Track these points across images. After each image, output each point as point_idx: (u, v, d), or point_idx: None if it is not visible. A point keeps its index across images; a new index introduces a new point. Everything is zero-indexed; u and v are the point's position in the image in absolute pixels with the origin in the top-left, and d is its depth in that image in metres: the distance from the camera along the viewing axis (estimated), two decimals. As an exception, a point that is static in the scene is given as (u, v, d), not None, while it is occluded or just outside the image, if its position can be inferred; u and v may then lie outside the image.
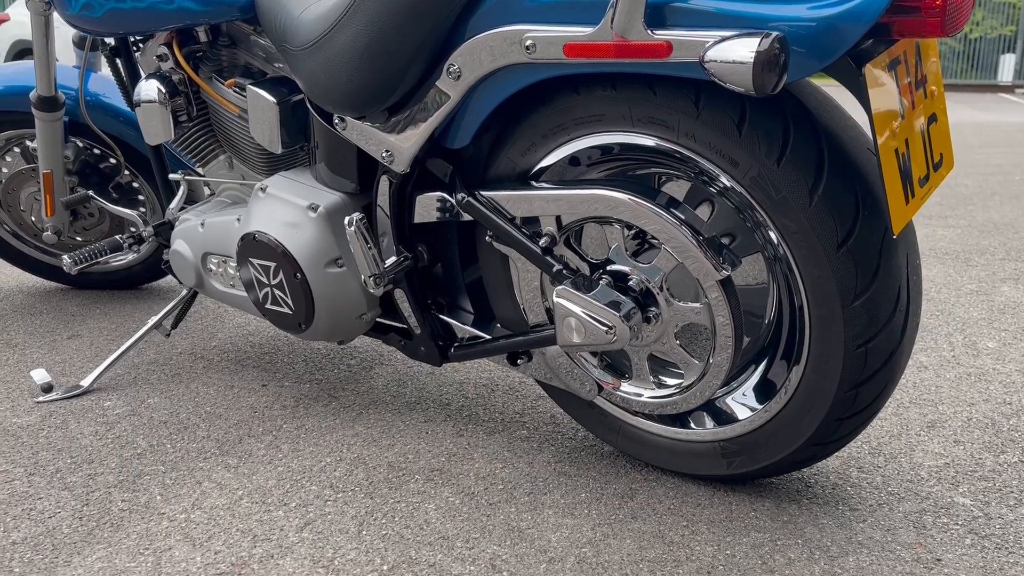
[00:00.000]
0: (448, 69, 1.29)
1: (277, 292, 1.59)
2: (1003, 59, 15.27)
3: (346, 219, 1.44)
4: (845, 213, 1.12)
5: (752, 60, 0.95)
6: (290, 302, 1.58)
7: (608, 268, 1.34)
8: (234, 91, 1.68)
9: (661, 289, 1.29)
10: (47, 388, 1.79)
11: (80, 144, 2.25)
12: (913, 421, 1.66)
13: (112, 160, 2.27)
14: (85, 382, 1.83)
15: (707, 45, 0.99)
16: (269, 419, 1.71)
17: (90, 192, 2.10)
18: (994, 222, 3.50)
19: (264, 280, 1.60)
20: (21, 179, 2.32)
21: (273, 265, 1.57)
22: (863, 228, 1.12)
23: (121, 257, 2.48)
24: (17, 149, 2.33)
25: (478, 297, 1.58)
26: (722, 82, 0.99)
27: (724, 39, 0.98)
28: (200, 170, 1.88)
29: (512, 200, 1.36)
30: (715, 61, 0.98)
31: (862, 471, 1.48)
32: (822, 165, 1.12)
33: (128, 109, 2.00)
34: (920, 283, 1.25)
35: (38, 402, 1.77)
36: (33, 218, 2.38)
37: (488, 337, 1.53)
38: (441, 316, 1.58)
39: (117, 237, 1.94)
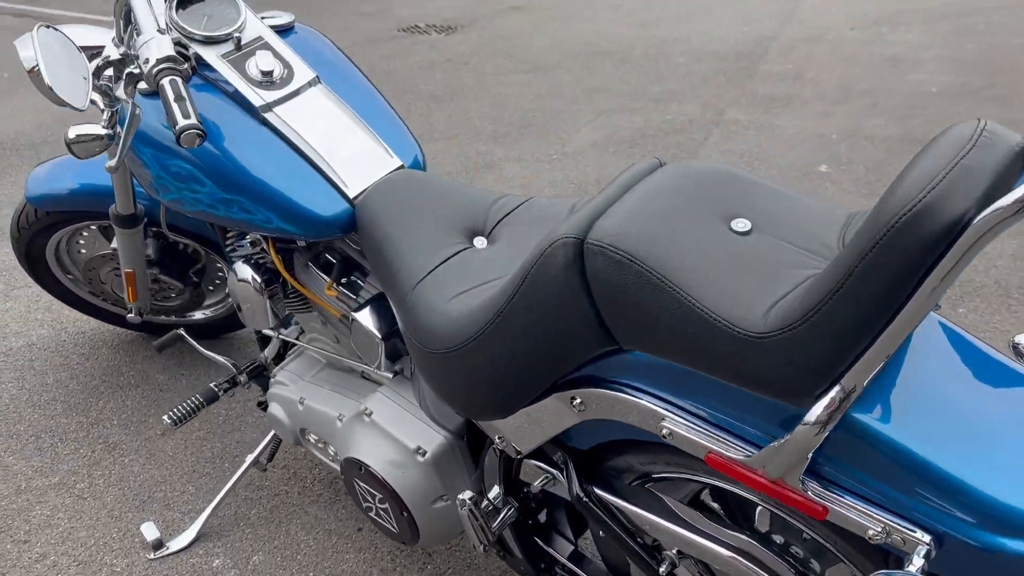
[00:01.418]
0: (572, 400, 1.24)
1: (382, 512, 1.62)
2: None
3: (458, 498, 1.44)
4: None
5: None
6: (395, 526, 1.61)
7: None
8: (336, 299, 1.62)
9: None
10: (157, 545, 1.87)
11: (156, 236, 2.20)
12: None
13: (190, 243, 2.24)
14: (191, 532, 1.90)
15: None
16: (370, 593, 1.79)
17: (181, 331, 2.08)
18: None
19: (369, 500, 1.62)
20: (101, 260, 2.29)
21: (379, 495, 1.58)
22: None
23: (195, 315, 2.49)
24: (94, 227, 2.29)
25: (579, 526, 1.60)
26: None
27: (887, 573, 0.94)
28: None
29: (631, 513, 1.34)
30: None
31: None
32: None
33: None
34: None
35: (151, 560, 1.86)
36: (114, 290, 2.37)
37: (587, 580, 1.56)
38: (539, 542, 1.61)
39: (212, 386, 1.94)
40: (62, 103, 1.37)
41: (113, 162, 1.50)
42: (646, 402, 1.14)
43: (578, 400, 1.23)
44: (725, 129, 4.17)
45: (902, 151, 3.82)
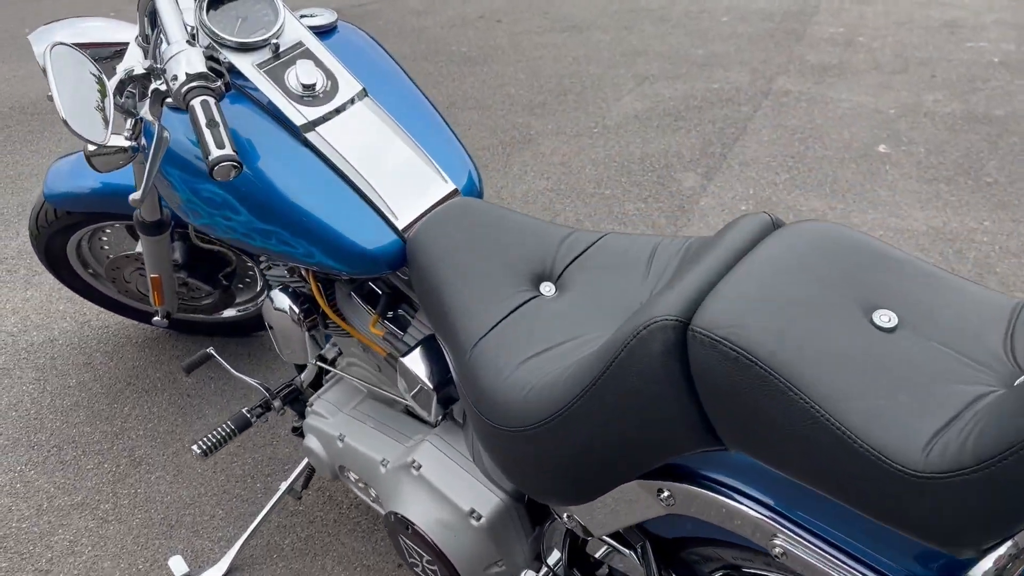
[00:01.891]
0: (659, 492, 1.09)
1: (430, 571, 1.49)
2: None
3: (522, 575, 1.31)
4: None
5: None
6: (445, 588, 1.48)
7: None
8: (384, 339, 1.47)
9: None
10: (187, 581, 1.76)
11: (183, 239, 2.04)
12: None
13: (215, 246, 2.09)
14: (222, 566, 1.79)
15: None
16: (414, 640, 1.67)
17: (210, 350, 1.93)
18: None
19: (415, 557, 1.49)
20: (125, 260, 2.14)
21: (427, 557, 1.45)
22: None
23: (225, 312, 2.36)
24: (117, 224, 2.14)
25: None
26: None
27: None
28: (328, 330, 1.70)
29: (715, 607, 1.20)
30: None
31: None
32: None
33: None
34: None
35: (180, 598, 1.75)
36: (139, 288, 2.23)
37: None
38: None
39: (244, 412, 1.80)
40: (79, 137, 1.20)
41: (138, 195, 1.34)
42: (753, 512, 0.99)
43: (666, 494, 1.08)
44: (775, 101, 3.94)
45: (965, 130, 3.60)
